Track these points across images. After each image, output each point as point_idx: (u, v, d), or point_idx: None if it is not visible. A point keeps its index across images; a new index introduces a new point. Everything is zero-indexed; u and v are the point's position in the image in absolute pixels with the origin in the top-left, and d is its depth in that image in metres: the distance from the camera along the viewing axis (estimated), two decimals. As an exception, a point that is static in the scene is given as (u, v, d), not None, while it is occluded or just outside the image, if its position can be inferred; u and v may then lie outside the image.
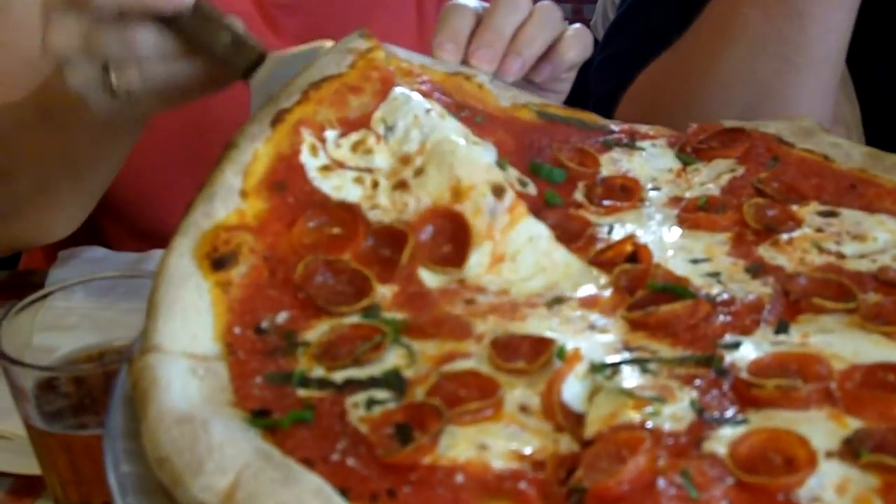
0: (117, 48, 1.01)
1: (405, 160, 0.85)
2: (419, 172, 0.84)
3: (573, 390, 0.68)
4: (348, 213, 0.82)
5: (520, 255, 0.82)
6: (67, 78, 1.05)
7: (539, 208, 0.88)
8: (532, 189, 0.91)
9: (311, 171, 0.82)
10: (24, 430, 0.95)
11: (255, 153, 0.80)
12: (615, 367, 0.70)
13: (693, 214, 0.88)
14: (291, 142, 0.82)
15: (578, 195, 0.92)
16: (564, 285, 0.80)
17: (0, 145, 1.30)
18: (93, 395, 0.91)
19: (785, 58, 1.19)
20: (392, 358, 0.72)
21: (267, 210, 0.79)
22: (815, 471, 0.61)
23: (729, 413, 0.66)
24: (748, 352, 0.71)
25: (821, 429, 0.64)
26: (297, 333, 0.73)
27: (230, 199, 0.77)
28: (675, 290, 0.77)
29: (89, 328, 1.00)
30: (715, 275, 0.81)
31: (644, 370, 0.70)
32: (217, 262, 0.74)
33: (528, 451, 0.64)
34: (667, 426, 0.64)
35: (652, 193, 0.93)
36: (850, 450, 0.62)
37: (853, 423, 0.65)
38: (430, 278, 0.79)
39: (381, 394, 0.68)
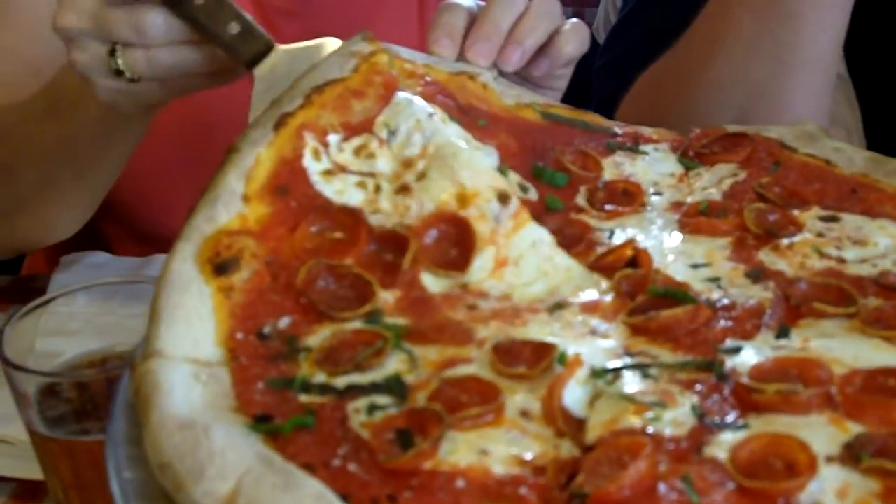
0: (126, 30, 1.02)
1: (407, 164, 0.85)
2: (421, 176, 0.84)
3: (574, 395, 0.68)
4: (350, 218, 0.81)
5: (523, 259, 0.82)
6: (73, 57, 1.06)
7: (540, 213, 0.88)
8: (533, 194, 0.91)
9: (314, 176, 0.82)
10: (26, 436, 0.95)
11: (257, 157, 0.80)
12: (616, 372, 0.70)
13: (694, 219, 0.88)
14: (294, 146, 0.82)
15: (580, 199, 0.92)
16: (566, 290, 0.80)
17: (4, 142, 1.31)
18: (95, 400, 0.91)
19: (779, 59, 1.19)
20: (393, 363, 0.71)
21: (269, 214, 0.79)
22: (816, 475, 0.61)
23: (730, 418, 0.66)
24: (749, 357, 0.71)
25: (821, 433, 0.64)
26: (299, 339, 0.73)
27: (232, 204, 0.77)
28: (676, 294, 0.77)
29: (92, 333, 1.00)
30: (715, 280, 0.81)
31: (645, 375, 0.70)
32: (219, 267, 0.74)
33: (528, 456, 0.64)
34: (668, 431, 0.64)
35: (654, 198, 0.93)
36: (851, 454, 0.62)
37: (854, 428, 0.65)
38: (432, 283, 0.79)
39: (382, 399, 0.68)
